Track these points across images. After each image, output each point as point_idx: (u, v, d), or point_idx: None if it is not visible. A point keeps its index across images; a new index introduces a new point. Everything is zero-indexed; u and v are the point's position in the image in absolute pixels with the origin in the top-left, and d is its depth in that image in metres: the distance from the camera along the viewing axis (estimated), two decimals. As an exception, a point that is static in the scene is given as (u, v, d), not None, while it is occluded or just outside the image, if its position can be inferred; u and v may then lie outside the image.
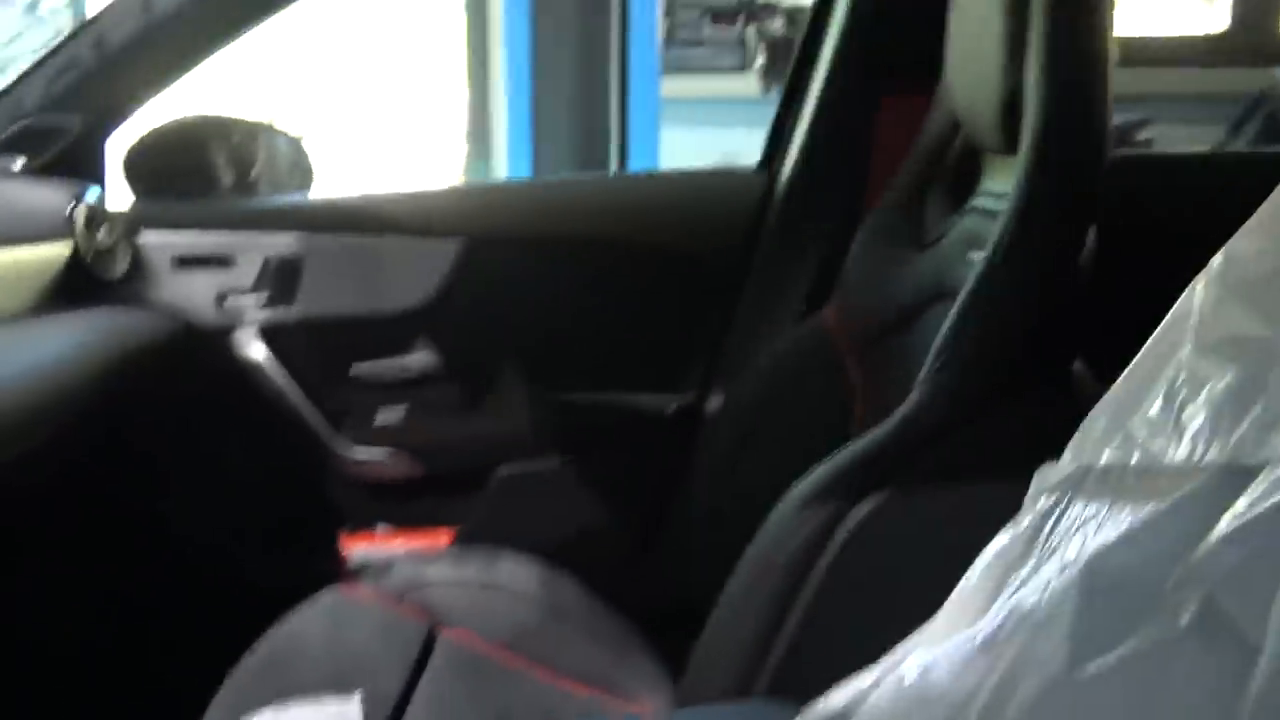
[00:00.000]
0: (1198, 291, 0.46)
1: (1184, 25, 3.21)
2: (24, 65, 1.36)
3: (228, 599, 1.49)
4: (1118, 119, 2.61)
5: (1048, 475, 0.55)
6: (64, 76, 1.32)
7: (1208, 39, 3.08)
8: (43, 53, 1.35)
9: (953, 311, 0.86)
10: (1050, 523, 0.51)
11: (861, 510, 0.80)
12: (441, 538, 1.51)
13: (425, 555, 1.36)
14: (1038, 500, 0.54)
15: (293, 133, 1.77)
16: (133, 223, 1.43)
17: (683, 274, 1.49)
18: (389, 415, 1.52)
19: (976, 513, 0.61)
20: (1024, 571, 0.50)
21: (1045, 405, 0.83)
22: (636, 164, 2.20)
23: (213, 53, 1.35)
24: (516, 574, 1.31)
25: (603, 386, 1.52)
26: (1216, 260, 0.46)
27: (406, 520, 1.54)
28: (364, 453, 1.50)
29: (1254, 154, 2.29)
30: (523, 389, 1.51)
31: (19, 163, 1.35)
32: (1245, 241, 0.45)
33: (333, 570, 1.48)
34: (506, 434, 1.51)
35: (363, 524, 1.55)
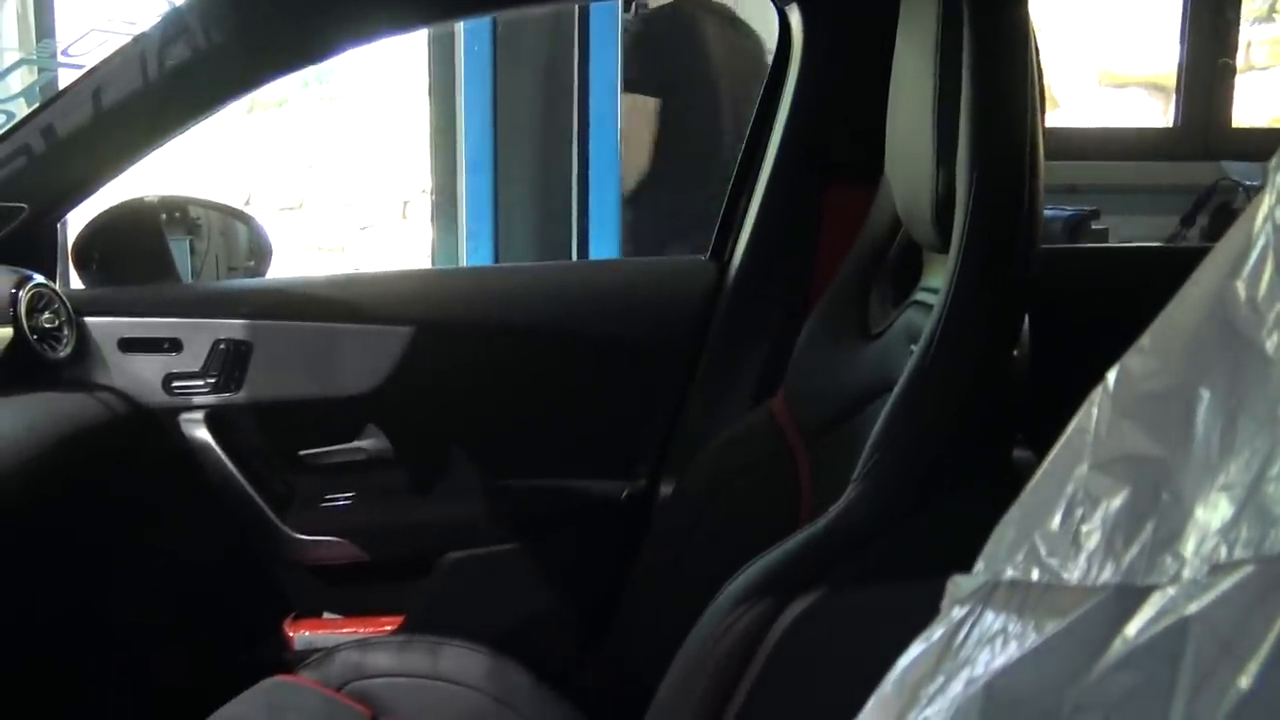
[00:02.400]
0: (1094, 408, 0.47)
1: (1134, 119, 3.30)
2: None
3: (169, 684, 1.45)
4: (1070, 210, 2.65)
5: (961, 585, 0.55)
6: (12, 163, 1.32)
7: (1158, 132, 3.17)
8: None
9: (886, 407, 0.87)
10: (961, 635, 0.50)
11: (793, 612, 0.79)
12: (387, 625, 1.49)
13: (369, 643, 1.33)
14: (950, 610, 0.54)
15: (249, 213, 1.78)
16: (78, 306, 1.42)
17: (635, 360, 1.49)
18: (336, 500, 1.50)
19: (910, 612, 0.60)
20: (933, 686, 0.50)
21: (979, 500, 0.84)
22: (597, 248, 2.23)
23: (164, 142, 1.36)
24: (461, 664, 1.28)
25: (554, 472, 1.51)
26: (1110, 377, 0.46)
27: (352, 606, 1.51)
28: (310, 537, 1.48)
29: (1194, 247, 2.34)
30: (472, 475, 1.50)
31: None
32: (1137, 360, 0.45)
33: (275, 657, 1.45)
34: (455, 519, 1.49)
35: (307, 610, 1.52)
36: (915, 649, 0.54)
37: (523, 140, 2.23)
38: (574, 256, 2.23)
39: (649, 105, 2.42)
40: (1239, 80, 3.16)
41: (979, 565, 0.54)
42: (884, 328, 1.16)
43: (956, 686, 0.47)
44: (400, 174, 4.60)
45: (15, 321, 1.30)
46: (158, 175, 1.67)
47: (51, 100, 1.37)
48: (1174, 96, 3.18)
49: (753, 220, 1.46)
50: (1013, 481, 0.68)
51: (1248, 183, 2.76)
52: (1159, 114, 3.29)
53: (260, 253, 1.76)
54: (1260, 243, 0.41)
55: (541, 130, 2.22)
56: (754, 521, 1.24)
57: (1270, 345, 0.40)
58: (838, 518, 0.83)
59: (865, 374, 1.14)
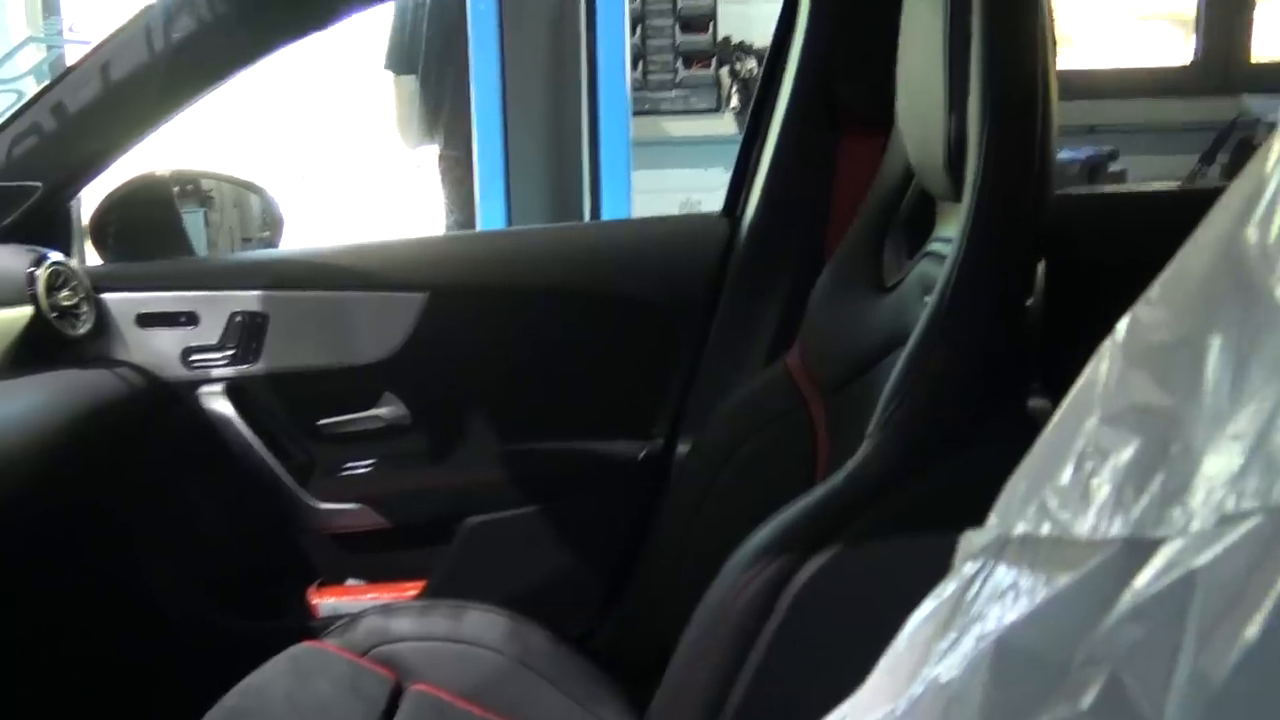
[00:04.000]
0: (1103, 360, 0.46)
1: (1153, 57, 3.24)
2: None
3: (195, 652, 1.48)
4: (1088, 151, 2.62)
5: (973, 540, 0.55)
6: (24, 142, 1.33)
7: (1176, 69, 3.11)
8: (3, 119, 1.36)
9: (901, 359, 0.86)
10: (973, 590, 0.50)
11: (810, 567, 0.80)
12: (410, 589, 1.50)
13: (393, 608, 1.35)
14: (962, 566, 0.54)
15: (261, 185, 1.78)
16: (96, 282, 1.43)
17: (649, 321, 1.49)
18: (356, 468, 1.51)
19: (927, 566, 0.60)
20: (945, 643, 0.50)
21: (995, 450, 0.83)
22: (609, 207, 2.21)
23: (174, 115, 1.36)
24: (484, 626, 1.30)
25: (571, 435, 1.51)
26: (1120, 328, 0.46)
27: (375, 572, 1.53)
28: (331, 506, 1.49)
29: (1210, 189, 2.30)
30: (489, 439, 1.51)
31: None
32: (1147, 309, 0.45)
33: (300, 624, 1.47)
34: (474, 484, 1.50)
35: (331, 577, 1.54)
36: (927, 605, 0.54)
37: (532, 100, 2.21)
38: (586, 217, 2.22)
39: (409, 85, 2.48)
40: (1258, 12, 3.09)
41: (991, 520, 0.54)
42: (898, 280, 1.15)
43: (968, 642, 0.47)
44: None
45: (34, 299, 1.31)
46: (169, 149, 1.67)
47: (61, 77, 1.37)
48: (1193, 31, 3.12)
49: (765, 174, 1.45)
50: (1029, 430, 0.67)
51: (1268, 118, 2.71)
52: (1178, 50, 3.22)
53: (273, 223, 1.76)
54: (1272, 186, 0.40)
55: (551, 89, 2.20)
56: (771, 478, 1.25)
57: (1280, 292, 0.39)
58: (854, 471, 0.83)
59: (880, 327, 1.13)
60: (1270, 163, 0.41)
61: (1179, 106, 2.99)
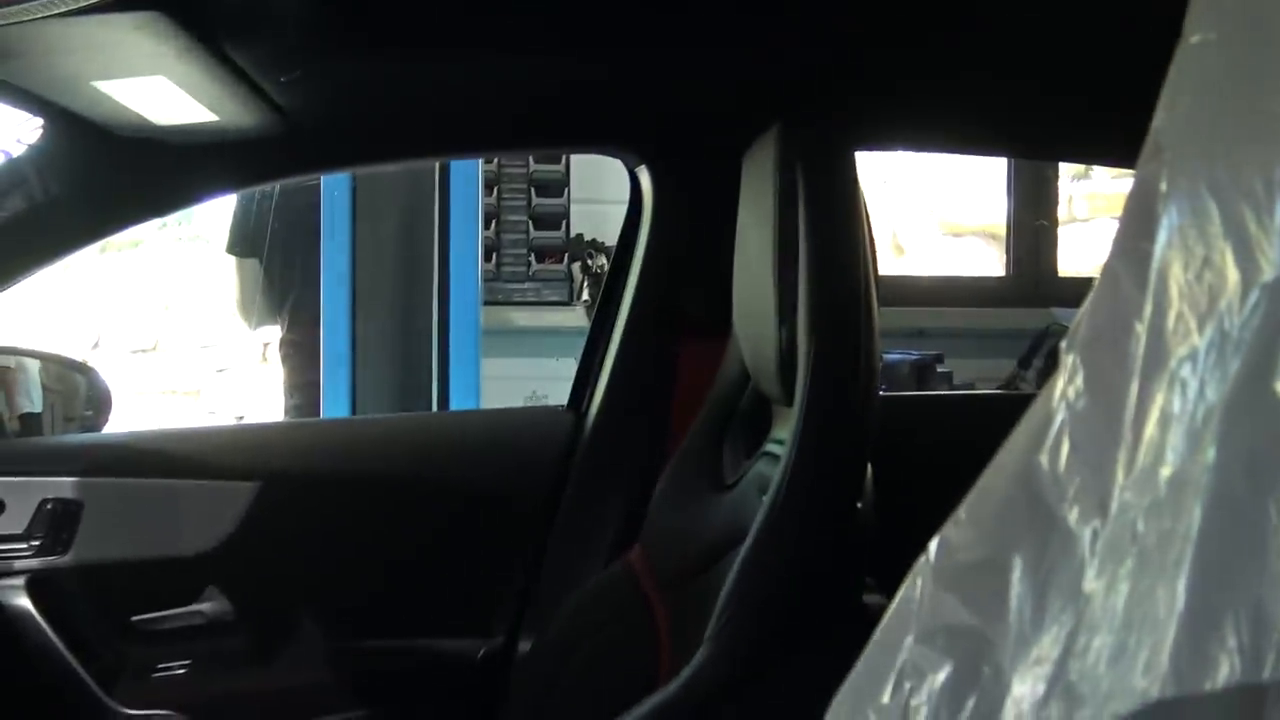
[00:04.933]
0: (917, 579, 0.48)
1: (974, 267, 3.51)
2: None
3: None
4: (916, 354, 2.75)
5: (800, 760, 0.54)
6: None
7: (994, 280, 3.37)
8: None
9: (736, 563, 0.87)
10: (801, 814, 0.49)
11: (647, 782, 0.77)
12: (224, 807, 1.38)
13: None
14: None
15: (87, 363, 1.71)
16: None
17: (491, 515, 1.47)
18: (170, 669, 1.41)
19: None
20: None
21: (830, 656, 0.84)
22: (458, 396, 2.20)
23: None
24: None
25: (408, 631, 1.45)
26: (931, 547, 0.47)
27: (185, 789, 1.40)
28: (139, 713, 1.37)
29: (1027, 395, 2.47)
30: (320, 637, 1.43)
31: None
32: (954, 531, 0.47)
33: None
34: (301, 687, 1.42)
35: (135, 795, 1.40)
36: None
37: (382, 286, 2.22)
38: (434, 405, 2.20)
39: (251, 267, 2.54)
40: (1065, 232, 3.40)
41: (818, 739, 0.53)
42: (737, 478, 1.17)
43: None
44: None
45: None
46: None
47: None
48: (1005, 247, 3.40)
49: (609, 371, 1.48)
50: (864, 628, 0.68)
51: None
52: (996, 261, 3.50)
53: (98, 403, 1.69)
54: (1058, 419, 0.44)
55: (402, 278, 2.22)
56: (613, 679, 1.22)
57: (1072, 518, 0.41)
58: (689, 681, 0.82)
59: (720, 525, 1.15)
60: (1056, 395, 0.44)
61: (997, 314, 3.22)
